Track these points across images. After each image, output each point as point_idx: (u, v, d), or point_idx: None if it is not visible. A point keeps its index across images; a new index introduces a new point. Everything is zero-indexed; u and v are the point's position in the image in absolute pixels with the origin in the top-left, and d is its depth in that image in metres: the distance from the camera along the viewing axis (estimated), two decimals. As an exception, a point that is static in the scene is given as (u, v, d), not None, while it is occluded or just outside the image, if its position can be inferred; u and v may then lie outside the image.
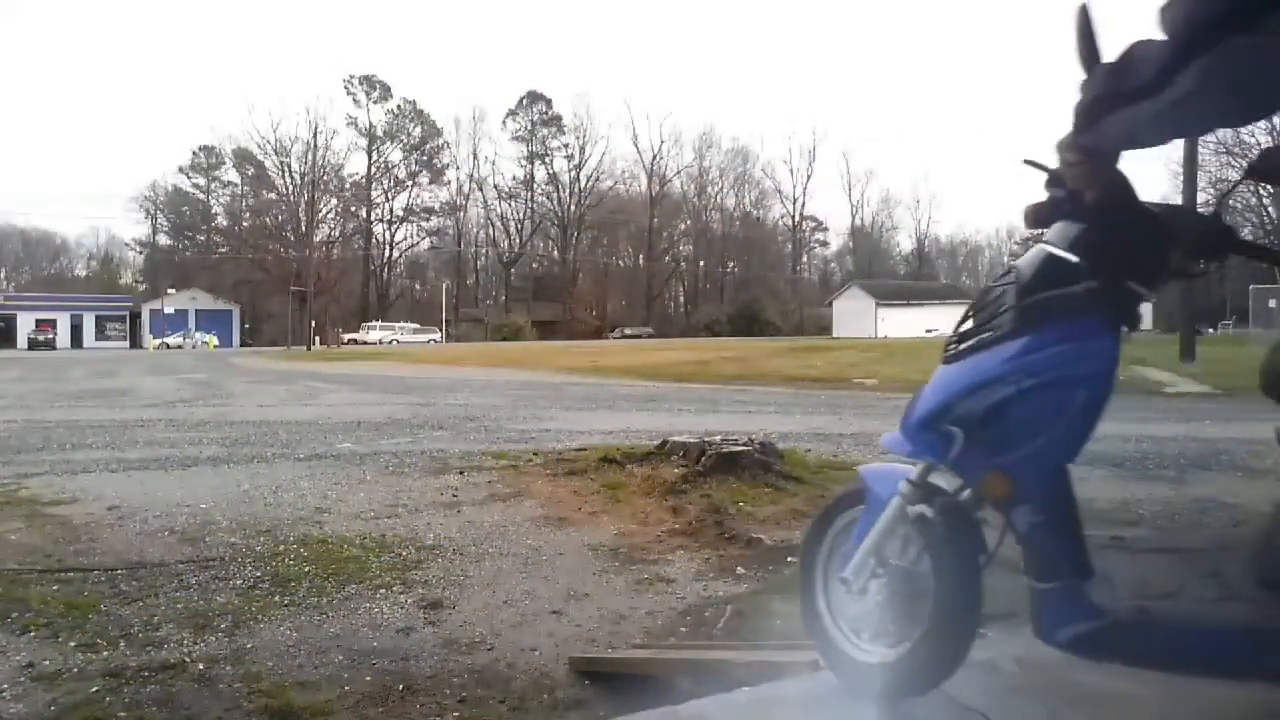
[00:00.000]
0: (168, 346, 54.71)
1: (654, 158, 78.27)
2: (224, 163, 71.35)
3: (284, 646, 2.95)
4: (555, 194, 77.64)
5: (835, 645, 1.85)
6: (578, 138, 76.94)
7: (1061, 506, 1.49)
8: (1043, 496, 1.49)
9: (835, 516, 1.93)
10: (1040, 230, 1.53)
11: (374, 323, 64.82)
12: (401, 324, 65.13)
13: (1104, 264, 1.45)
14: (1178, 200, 16.35)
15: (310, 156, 60.93)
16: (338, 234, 69.95)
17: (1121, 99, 1.14)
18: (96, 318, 61.92)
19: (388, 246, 76.24)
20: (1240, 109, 1.06)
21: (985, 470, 1.54)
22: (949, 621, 1.64)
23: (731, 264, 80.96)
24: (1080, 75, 1.30)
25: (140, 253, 75.78)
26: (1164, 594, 1.47)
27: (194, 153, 71.09)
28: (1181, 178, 23.20)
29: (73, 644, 2.94)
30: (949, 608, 1.64)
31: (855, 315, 60.22)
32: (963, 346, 1.62)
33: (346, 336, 58.95)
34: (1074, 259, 1.47)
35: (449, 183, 76.41)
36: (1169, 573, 1.56)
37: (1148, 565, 1.58)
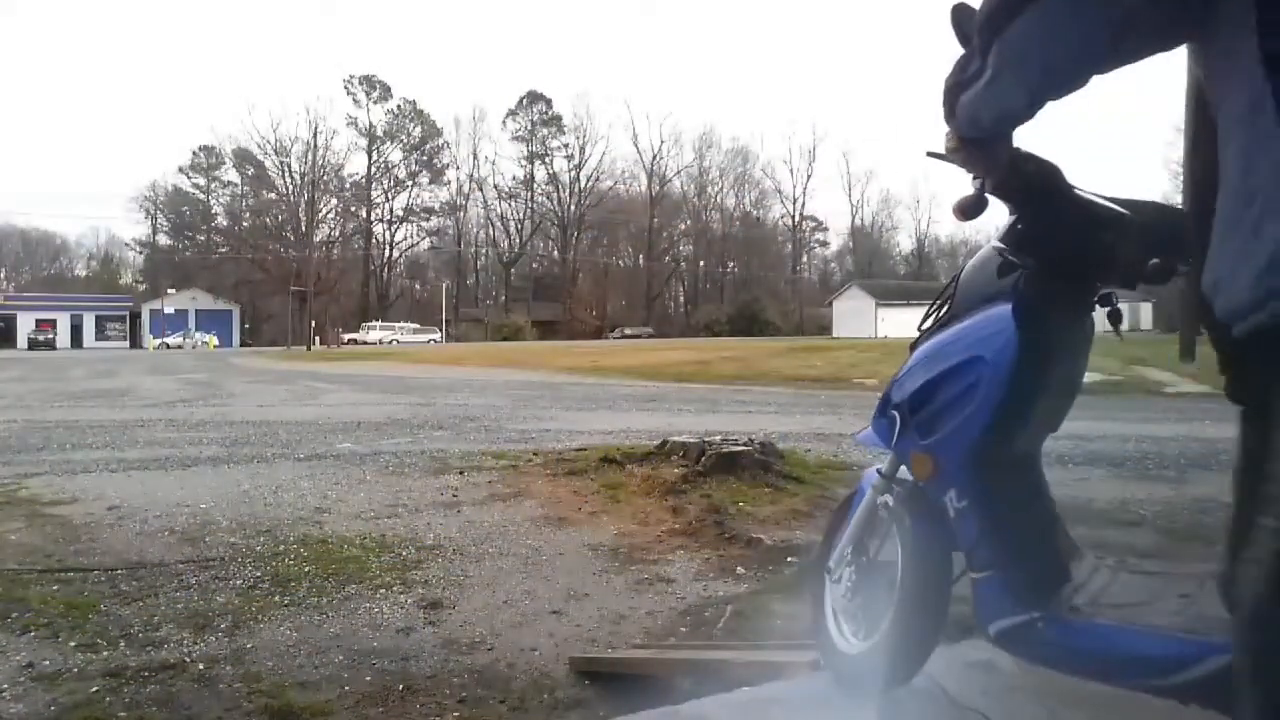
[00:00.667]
0: (168, 346, 54.73)
1: (654, 158, 78.46)
2: (224, 163, 71.48)
3: (284, 646, 2.95)
4: (555, 194, 77.78)
5: (829, 639, 1.87)
6: (578, 138, 77.10)
7: (985, 492, 1.47)
8: (964, 480, 1.48)
9: (848, 514, 1.94)
10: (967, 223, 1.54)
11: (374, 323, 64.85)
12: (401, 324, 65.17)
13: (1032, 254, 1.45)
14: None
15: (310, 156, 61.14)
16: (338, 234, 70.11)
17: (962, 86, 1.16)
18: (96, 318, 61.97)
19: (388, 246, 76.39)
20: (1037, 85, 1.08)
21: (913, 451, 1.57)
22: (911, 611, 1.64)
23: (731, 264, 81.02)
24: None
25: (140, 253, 75.93)
26: (1113, 602, 1.40)
27: (194, 153, 71.26)
28: (1181, 178, 23.23)
29: (73, 644, 2.93)
30: (911, 597, 1.63)
31: (855, 315, 60.21)
32: (917, 338, 1.67)
33: (346, 336, 58.98)
34: (1006, 249, 1.48)
35: (449, 183, 76.60)
36: (1128, 582, 1.49)
37: (1108, 574, 1.52)
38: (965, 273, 1.60)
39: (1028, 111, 1.14)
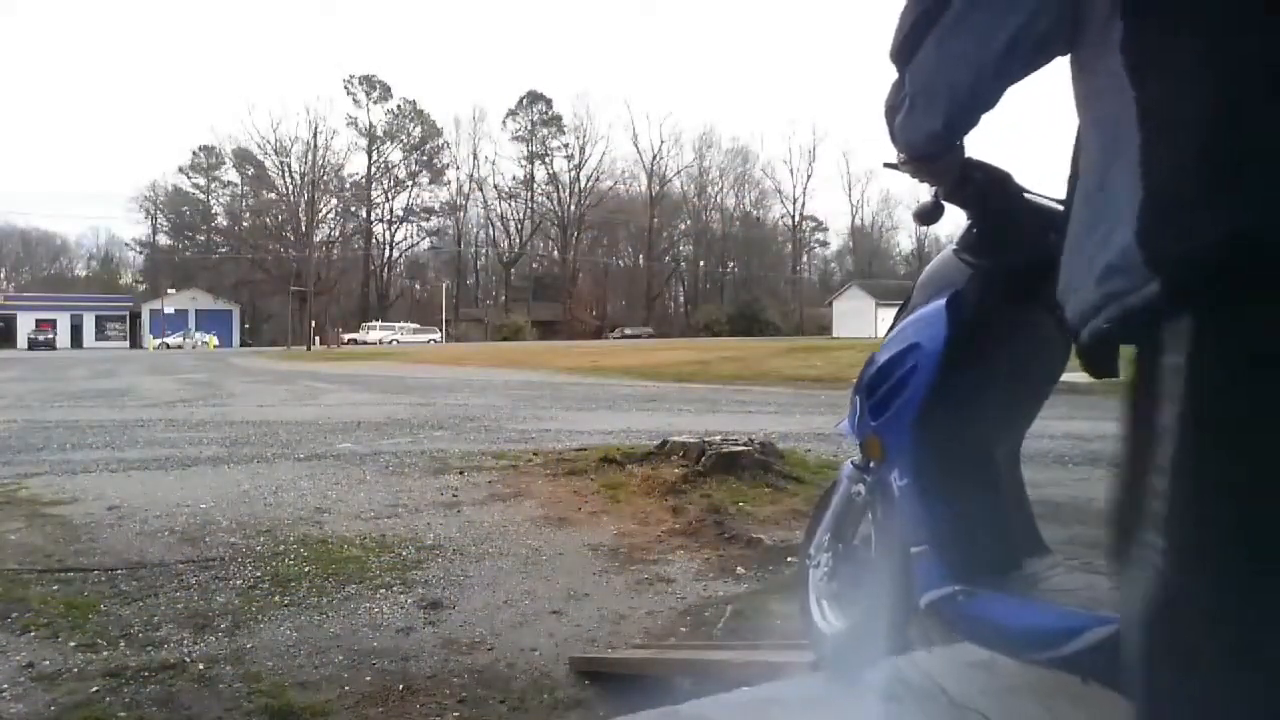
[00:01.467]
0: (168, 346, 54.70)
1: (654, 158, 78.30)
2: (224, 163, 71.39)
3: (284, 646, 2.95)
4: (555, 194, 77.68)
5: (812, 622, 1.95)
6: (578, 138, 76.99)
7: (920, 471, 1.53)
8: (903, 459, 1.56)
9: (827, 505, 2.02)
10: (927, 229, 1.60)
11: (374, 323, 64.79)
12: (401, 324, 65.10)
13: (986, 257, 1.51)
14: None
15: (310, 156, 61.11)
16: (338, 234, 70.07)
17: (895, 109, 1.19)
18: (96, 318, 61.94)
19: (388, 246, 76.28)
20: (948, 108, 1.11)
21: (867, 433, 1.67)
22: (883, 593, 1.69)
23: (731, 264, 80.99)
24: None
25: (140, 253, 75.86)
26: (1045, 587, 1.42)
27: (194, 153, 71.16)
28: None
29: (73, 644, 2.94)
30: (883, 579, 1.69)
31: (855, 315, 60.16)
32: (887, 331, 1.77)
33: (346, 336, 58.89)
34: (962, 252, 1.56)
35: (449, 183, 76.48)
36: (1076, 575, 1.50)
37: (1064, 570, 1.53)
38: (925, 272, 1.69)
39: (946, 133, 1.16)
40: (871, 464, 1.75)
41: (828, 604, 1.91)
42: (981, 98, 1.07)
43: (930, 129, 1.15)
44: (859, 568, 1.80)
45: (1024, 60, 1.01)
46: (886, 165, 1.48)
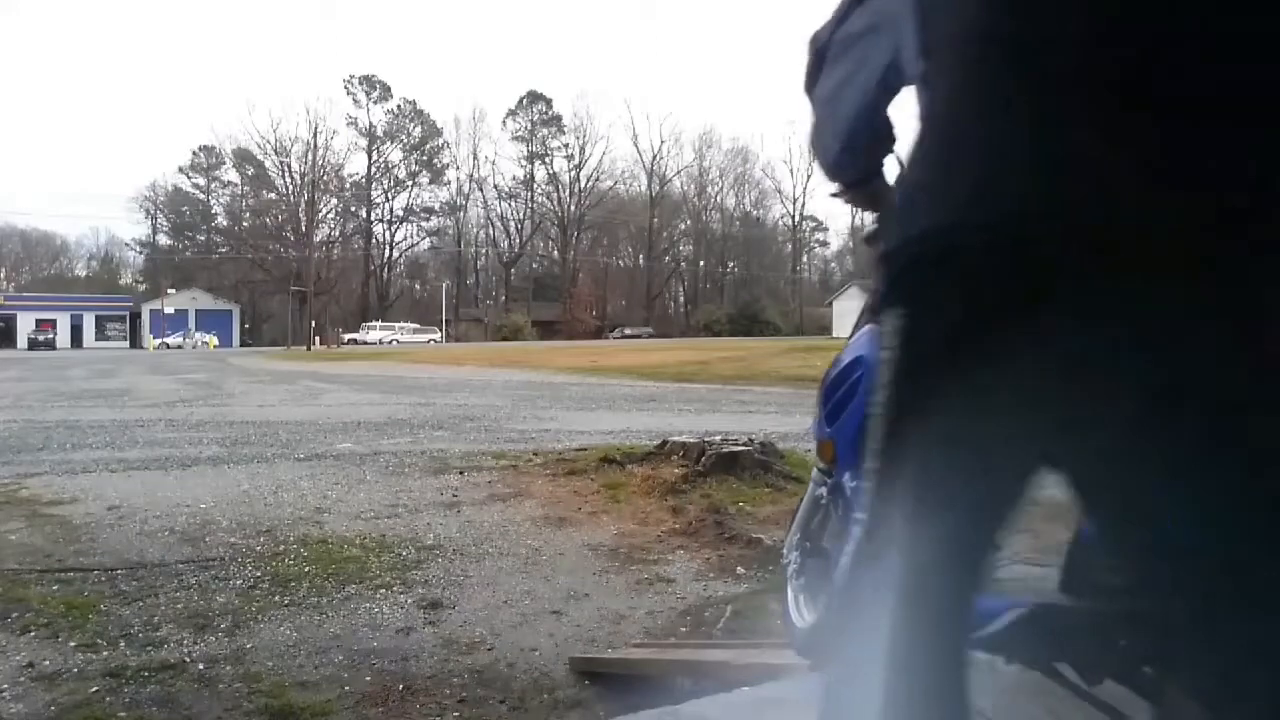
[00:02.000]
0: (168, 346, 54.67)
1: (654, 158, 78.22)
2: (224, 163, 71.31)
3: (284, 646, 2.96)
4: (555, 194, 77.60)
5: (789, 615, 2.01)
6: (578, 138, 76.90)
7: (867, 474, 1.59)
8: (853, 463, 1.63)
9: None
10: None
11: (374, 323, 64.74)
12: (401, 324, 65.06)
13: None
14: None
15: (310, 156, 61.02)
16: (338, 234, 70.05)
17: (813, 135, 1.29)
18: (96, 318, 61.94)
19: (388, 246, 76.21)
20: (842, 133, 1.22)
21: (821, 438, 1.77)
22: (845, 588, 1.73)
23: (731, 264, 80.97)
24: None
25: (140, 253, 75.78)
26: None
27: (194, 153, 71.09)
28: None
29: (73, 644, 2.94)
30: (840, 582, 1.74)
31: (855, 315, 60.03)
32: None
33: (346, 336, 58.89)
34: None
35: (449, 183, 76.40)
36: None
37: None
38: (874, 291, 1.76)
39: (847, 156, 1.26)
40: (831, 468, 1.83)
41: (801, 599, 1.99)
42: (861, 123, 1.20)
43: (835, 152, 1.26)
44: (824, 564, 1.88)
45: (880, 90, 1.14)
46: (831, 195, 1.56)
